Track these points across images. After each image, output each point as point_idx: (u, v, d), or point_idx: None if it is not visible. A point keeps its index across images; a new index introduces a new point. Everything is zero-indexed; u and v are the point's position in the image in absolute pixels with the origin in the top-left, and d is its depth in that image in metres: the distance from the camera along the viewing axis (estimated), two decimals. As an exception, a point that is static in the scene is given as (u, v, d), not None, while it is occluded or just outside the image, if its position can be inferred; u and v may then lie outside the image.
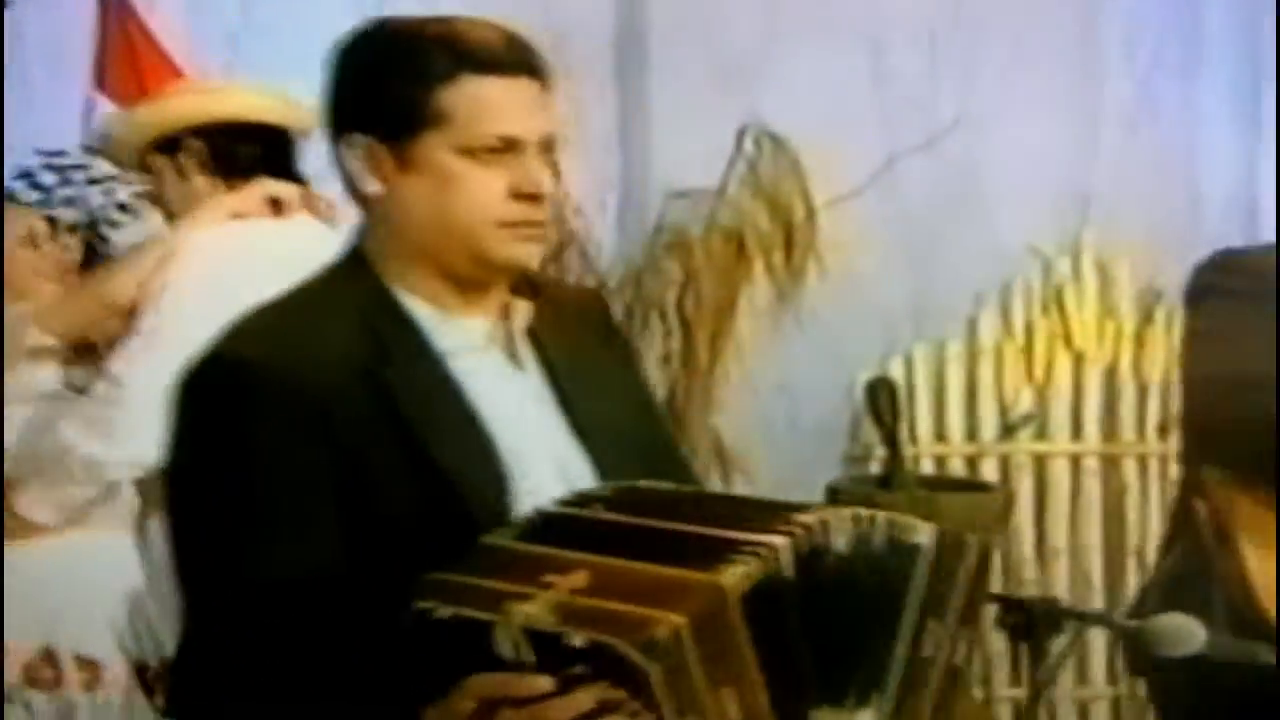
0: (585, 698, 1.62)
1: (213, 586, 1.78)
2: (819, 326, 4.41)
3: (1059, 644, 2.20)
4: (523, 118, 1.86)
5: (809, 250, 4.27)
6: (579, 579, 1.68)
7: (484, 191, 1.85)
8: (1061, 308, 4.56)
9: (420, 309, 1.88)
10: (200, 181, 3.08)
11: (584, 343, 2.00)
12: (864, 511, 1.80)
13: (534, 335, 1.95)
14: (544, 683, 1.63)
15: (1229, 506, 2.50)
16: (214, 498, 1.78)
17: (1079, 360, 4.56)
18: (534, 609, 1.65)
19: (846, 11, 4.48)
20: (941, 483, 4.56)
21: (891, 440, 4.57)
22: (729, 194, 4.25)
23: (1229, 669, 2.17)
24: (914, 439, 4.61)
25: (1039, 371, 4.56)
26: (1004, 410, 4.60)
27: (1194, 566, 2.54)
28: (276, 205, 3.07)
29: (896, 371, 4.58)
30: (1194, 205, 4.56)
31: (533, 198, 1.86)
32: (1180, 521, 2.65)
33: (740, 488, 4.38)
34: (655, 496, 1.87)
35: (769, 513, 1.78)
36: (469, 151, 1.84)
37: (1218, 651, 2.03)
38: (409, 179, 1.86)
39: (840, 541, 1.77)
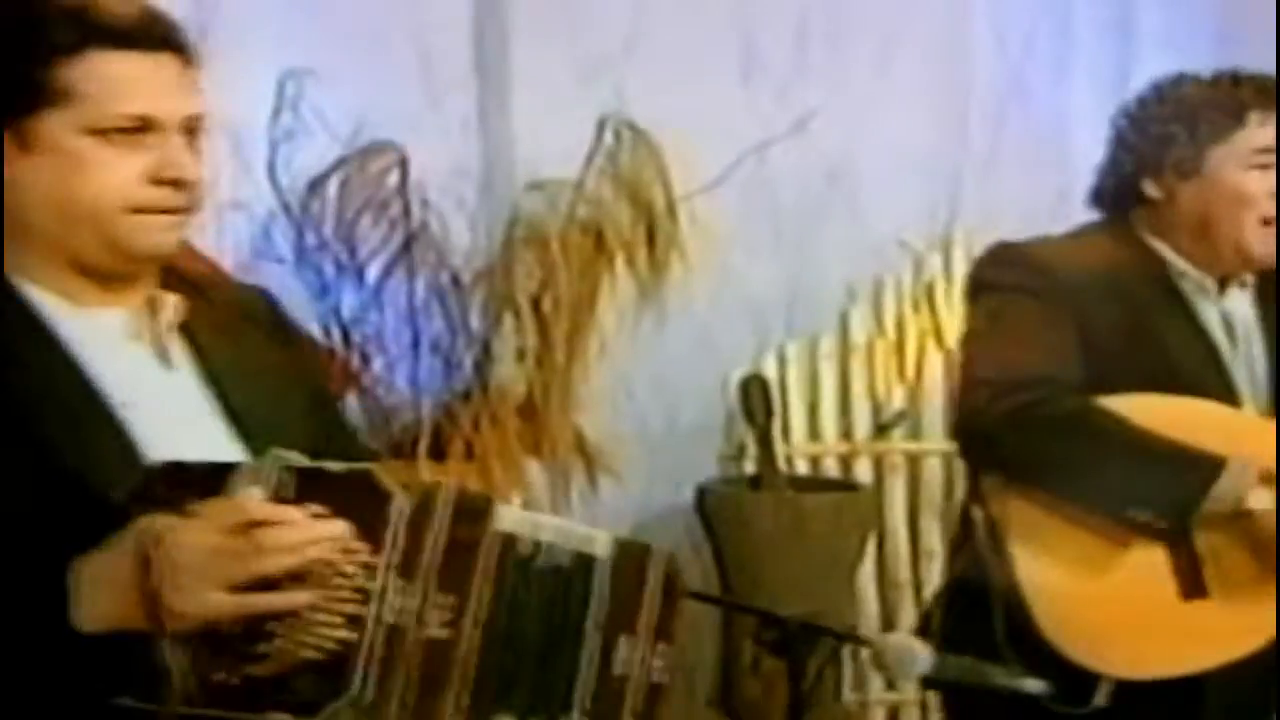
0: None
1: None
2: (692, 322, 4.32)
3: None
4: (160, 97, 1.76)
5: (671, 244, 4.15)
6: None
7: (114, 175, 1.75)
8: (933, 304, 4.48)
9: (44, 300, 1.78)
10: None
11: (247, 341, 1.91)
12: (544, 518, 1.73)
13: (189, 333, 1.85)
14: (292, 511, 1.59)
15: (1003, 512, 2.42)
16: None
17: (950, 358, 4.47)
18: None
19: (715, 1, 4.39)
20: (813, 483, 4.49)
21: (764, 440, 4.50)
22: (588, 186, 4.13)
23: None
24: (787, 438, 4.53)
25: (910, 369, 4.48)
26: (877, 409, 4.52)
27: (974, 575, 2.46)
28: None
29: (770, 369, 4.50)
30: (1065, 200, 4.45)
31: (174, 183, 1.77)
32: (962, 529, 2.57)
33: (606, 488, 4.28)
34: None
35: None
36: (98, 131, 1.74)
37: (946, 673, 1.97)
38: (29, 160, 1.75)
39: (525, 548, 1.70)
